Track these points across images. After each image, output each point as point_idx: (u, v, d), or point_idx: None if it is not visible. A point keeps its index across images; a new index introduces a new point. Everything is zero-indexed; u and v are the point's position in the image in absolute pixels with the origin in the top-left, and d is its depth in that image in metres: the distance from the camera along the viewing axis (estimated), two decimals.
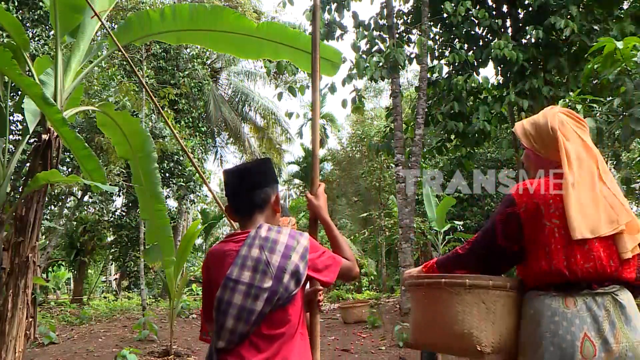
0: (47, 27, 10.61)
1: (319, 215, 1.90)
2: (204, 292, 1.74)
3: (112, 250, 17.10)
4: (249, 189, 1.72)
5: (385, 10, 9.79)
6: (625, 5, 9.23)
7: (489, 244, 1.78)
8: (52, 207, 12.61)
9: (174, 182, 13.68)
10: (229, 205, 1.76)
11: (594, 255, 1.61)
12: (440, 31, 10.41)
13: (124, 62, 13.17)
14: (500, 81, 10.06)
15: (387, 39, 9.54)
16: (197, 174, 14.07)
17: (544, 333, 1.61)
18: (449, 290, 1.76)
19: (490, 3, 10.09)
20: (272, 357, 1.53)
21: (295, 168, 28.86)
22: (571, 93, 6.66)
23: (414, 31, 10.35)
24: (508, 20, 9.99)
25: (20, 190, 4.77)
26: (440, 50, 10.56)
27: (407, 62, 9.92)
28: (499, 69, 9.91)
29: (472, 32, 9.81)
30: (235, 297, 1.53)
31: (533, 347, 1.65)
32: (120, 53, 11.97)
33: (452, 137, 10.36)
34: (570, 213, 1.62)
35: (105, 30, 13.43)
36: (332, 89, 9.34)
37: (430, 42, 9.63)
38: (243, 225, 1.74)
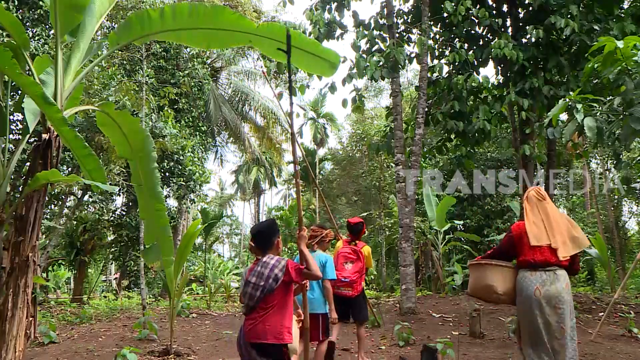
0: (47, 26, 10.61)
1: (299, 246, 3.25)
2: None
3: (112, 249, 17.08)
4: (267, 237, 3.25)
5: (385, 9, 9.77)
6: (626, 5, 9.23)
7: (500, 249, 4.13)
8: (52, 206, 12.60)
9: (174, 181, 13.67)
10: (254, 245, 3.24)
11: (544, 254, 3.81)
12: (441, 30, 10.39)
13: (124, 62, 13.17)
14: (501, 80, 10.05)
15: (387, 39, 9.52)
16: (197, 173, 14.05)
17: (521, 286, 3.85)
18: (484, 266, 4.08)
19: (490, 2, 10.08)
20: (262, 318, 3.04)
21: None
22: (571, 92, 6.66)
23: (414, 30, 10.34)
24: (508, 19, 9.98)
25: (20, 189, 4.77)
26: (440, 50, 10.54)
27: (407, 61, 9.89)
28: (499, 68, 9.90)
29: (472, 32, 9.79)
30: (250, 290, 3.09)
31: (518, 293, 3.88)
32: (120, 52, 12.00)
33: (452, 136, 10.35)
34: (528, 234, 3.88)
35: (105, 30, 13.33)
36: (332, 88, 9.29)
37: (430, 42, 9.61)
38: (262, 255, 3.20)
